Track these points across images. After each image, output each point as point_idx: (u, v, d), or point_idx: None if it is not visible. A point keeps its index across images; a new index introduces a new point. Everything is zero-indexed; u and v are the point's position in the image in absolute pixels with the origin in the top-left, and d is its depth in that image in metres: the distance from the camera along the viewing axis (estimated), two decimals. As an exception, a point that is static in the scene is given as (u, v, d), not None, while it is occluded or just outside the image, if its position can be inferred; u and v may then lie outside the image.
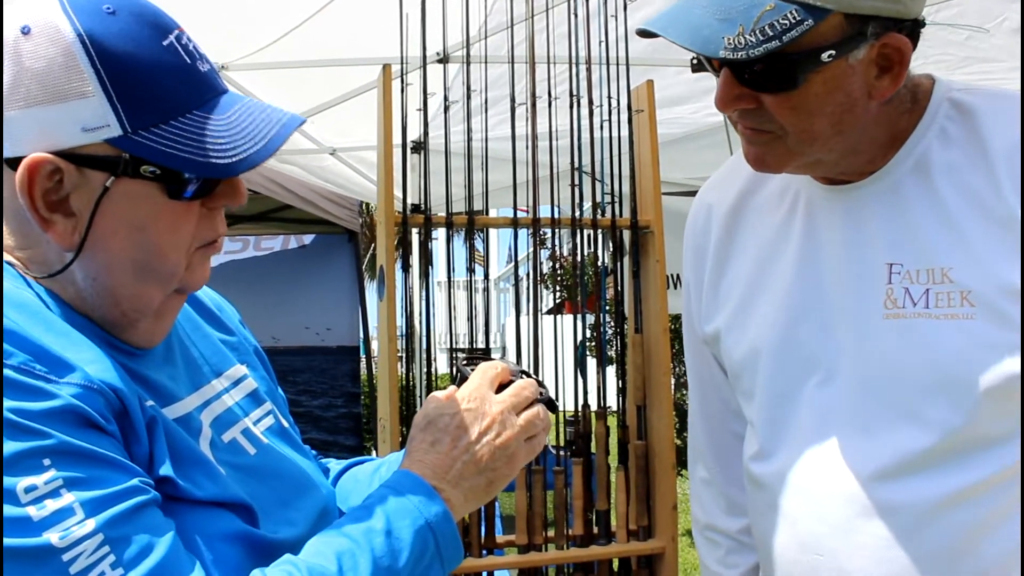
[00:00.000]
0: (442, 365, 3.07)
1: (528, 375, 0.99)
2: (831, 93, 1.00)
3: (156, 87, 0.77)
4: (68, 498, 0.70)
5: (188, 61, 0.80)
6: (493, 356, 1.04)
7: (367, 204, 6.40)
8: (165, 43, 0.79)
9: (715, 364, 1.34)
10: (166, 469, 0.79)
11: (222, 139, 0.79)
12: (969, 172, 1.04)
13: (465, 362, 1.00)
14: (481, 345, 2.07)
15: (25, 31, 0.75)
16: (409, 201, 2.11)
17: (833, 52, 0.97)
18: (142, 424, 0.79)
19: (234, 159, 0.79)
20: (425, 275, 1.99)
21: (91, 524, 0.70)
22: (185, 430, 0.87)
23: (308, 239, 6.03)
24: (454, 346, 1.95)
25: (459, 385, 0.96)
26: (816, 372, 1.12)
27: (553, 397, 1.00)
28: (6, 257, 0.85)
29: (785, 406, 1.16)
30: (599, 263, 2.17)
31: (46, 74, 0.75)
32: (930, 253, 1.05)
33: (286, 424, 1.05)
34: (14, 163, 0.77)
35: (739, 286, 1.23)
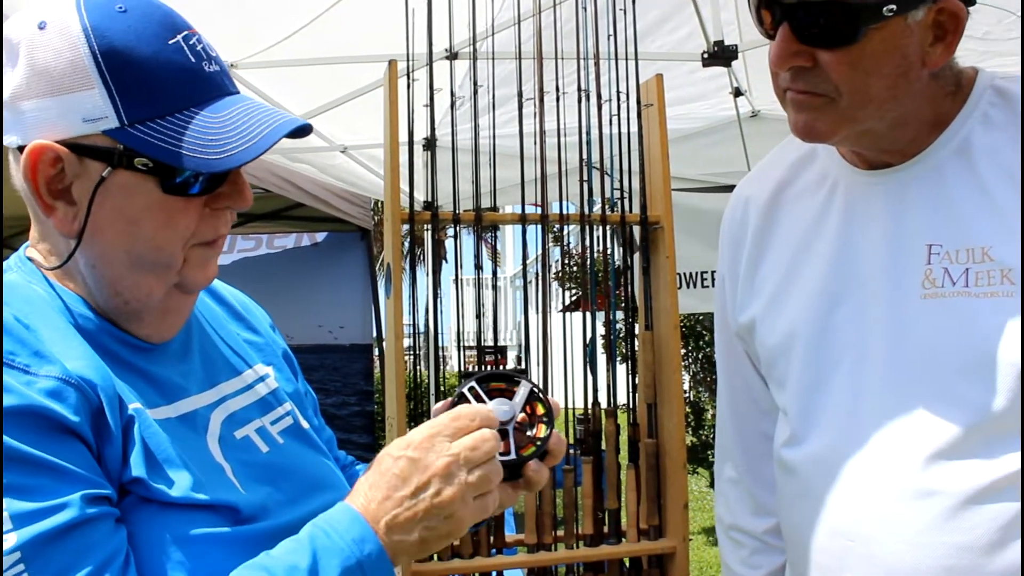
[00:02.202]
0: (452, 363, 3.06)
1: (543, 402, 0.93)
2: (889, 53, 1.01)
3: (155, 83, 0.80)
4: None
5: (193, 60, 0.83)
6: (518, 380, 0.94)
7: (379, 201, 6.42)
8: (171, 42, 0.82)
9: (747, 362, 1.33)
10: (139, 471, 0.79)
11: (213, 136, 0.81)
12: (1010, 153, 1.05)
13: (466, 389, 0.92)
14: (502, 352, 2.04)
15: (41, 26, 0.80)
16: (421, 198, 2.10)
17: (894, 7, 0.97)
18: (118, 424, 0.79)
19: (222, 155, 0.81)
20: (434, 272, 1.98)
21: (13, 539, 0.70)
22: (191, 426, 0.88)
23: (321, 237, 6.04)
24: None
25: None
26: (851, 355, 1.11)
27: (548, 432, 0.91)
28: (30, 252, 0.89)
29: (820, 390, 1.14)
30: (609, 259, 2.15)
31: (54, 67, 0.79)
32: (970, 232, 1.04)
33: (306, 425, 1.05)
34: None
35: (776, 274, 1.23)
